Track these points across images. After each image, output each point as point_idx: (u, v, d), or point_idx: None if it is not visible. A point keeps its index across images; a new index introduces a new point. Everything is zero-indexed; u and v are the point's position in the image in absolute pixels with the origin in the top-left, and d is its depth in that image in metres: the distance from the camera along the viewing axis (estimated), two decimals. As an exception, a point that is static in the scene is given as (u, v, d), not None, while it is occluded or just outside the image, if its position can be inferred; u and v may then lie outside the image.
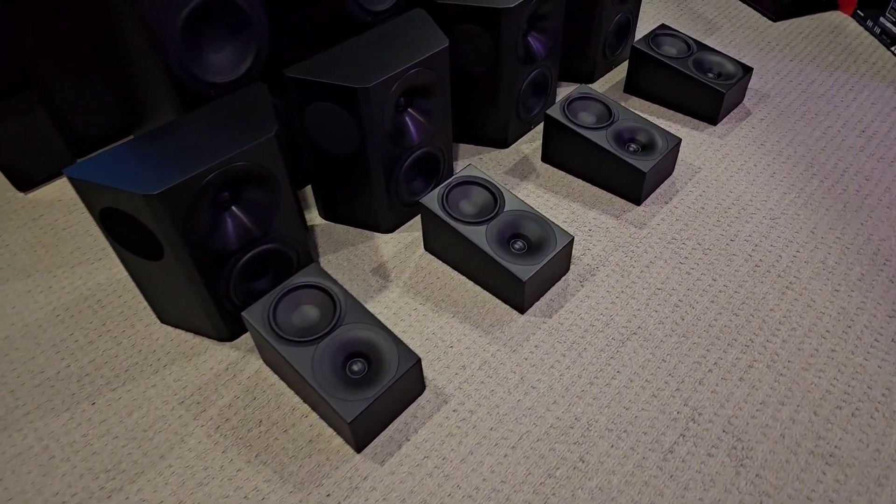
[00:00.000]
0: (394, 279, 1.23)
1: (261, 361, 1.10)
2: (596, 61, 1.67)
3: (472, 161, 1.49)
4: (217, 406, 1.05)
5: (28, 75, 1.40)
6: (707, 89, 1.50)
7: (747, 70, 1.54)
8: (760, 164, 1.43)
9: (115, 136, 1.60)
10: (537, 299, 1.16)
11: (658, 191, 1.38)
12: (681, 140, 1.35)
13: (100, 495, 0.94)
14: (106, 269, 1.29)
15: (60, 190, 1.48)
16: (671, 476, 0.92)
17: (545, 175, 1.44)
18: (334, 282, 1.05)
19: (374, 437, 0.98)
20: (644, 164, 1.29)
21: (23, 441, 1.01)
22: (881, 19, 1.83)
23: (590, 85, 1.72)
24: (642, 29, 1.92)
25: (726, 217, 1.31)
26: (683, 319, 1.12)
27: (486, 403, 1.02)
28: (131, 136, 1.60)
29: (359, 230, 1.33)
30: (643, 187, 1.31)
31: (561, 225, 1.32)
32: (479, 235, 1.13)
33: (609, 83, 1.72)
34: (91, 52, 1.44)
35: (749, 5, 2.03)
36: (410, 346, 1.11)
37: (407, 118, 1.20)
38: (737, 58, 1.79)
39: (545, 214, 1.34)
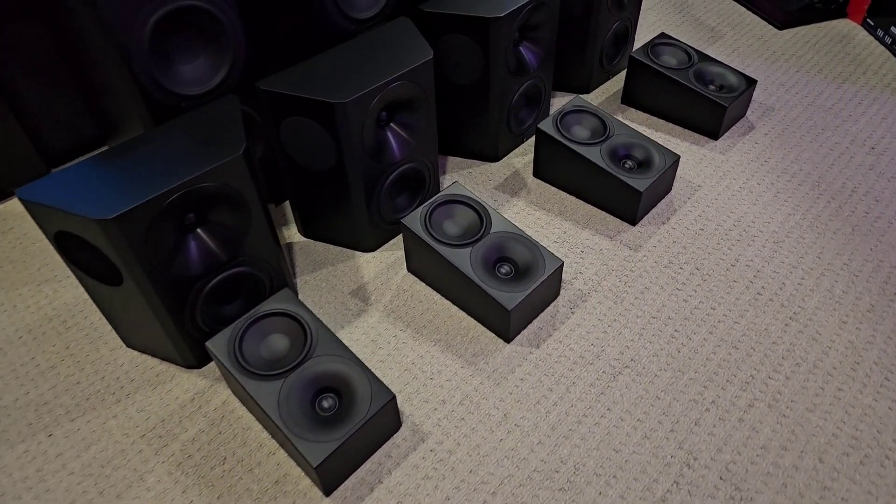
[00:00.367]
0: (374, 302, 1.15)
1: (229, 391, 1.03)
2: (592, 71, 1.59)
3: (462, 176, 1.41)
4: (180, 440, 0.97)
5: (-4, 83, 1.33)
6: (708, 102, 1.42)
7: (751, 82, 1.46)
8: (764, 183, 1.35)
9: (91, 146, 1.53)
10: (524, 327, 1.09)
11: (655, 210, 1.29)
12: (679, 157, 1.26)
13: (48, 540, 0.87)
14: (74, 287, 1.21)
15: (32, 202, 1.41)
16: (663, 528, 0.84)
17: (536, 191, 1.36)
18: (306, 309, 0.97)
19: (345, 480, 0.91)
20: (640, 182, 1.21)
21: (-29, 477, 0.94)
22: (892, 28, 1.74)
23: (586, 96, 1.64)
24: (642, 37, 1.84)
25: (727, 240, 1.23)
26: (679, 352, 1.04)
27: (465, 443, 0.94)
28: (105, 147, 1.53)
29: (339, 248, 1.26)
30: (639, 207, 1.23)
31: (552, 246, 1.24)
32: (462, 259, 1.06)
33: (606, 94, 1.64)
34: (62, 59, 1.37)
35: (754, 13, 1.94)
36: (388, 378, 1.03)
37: (389, 133, 1.13)
38: (740, 68, 1.70)
39: (535, 234, 1.26)
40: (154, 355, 1.09)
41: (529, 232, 1.27)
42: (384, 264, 1.22)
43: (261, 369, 0.90)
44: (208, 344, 0.93)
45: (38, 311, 1.18)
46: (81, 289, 1.21)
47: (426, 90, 1.11)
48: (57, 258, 1.28)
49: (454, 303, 1.13)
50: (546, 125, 1.30)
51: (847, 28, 1.84)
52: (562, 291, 1.15)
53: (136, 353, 1.10)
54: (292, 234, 1.30)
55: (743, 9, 1.98)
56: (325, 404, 0.91)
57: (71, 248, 0.93)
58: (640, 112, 1.56)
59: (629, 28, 1.62)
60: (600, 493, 0.88)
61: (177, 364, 1.07)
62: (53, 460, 0.96)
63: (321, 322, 0.96)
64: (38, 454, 0.97)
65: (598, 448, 0.93)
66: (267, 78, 1.06)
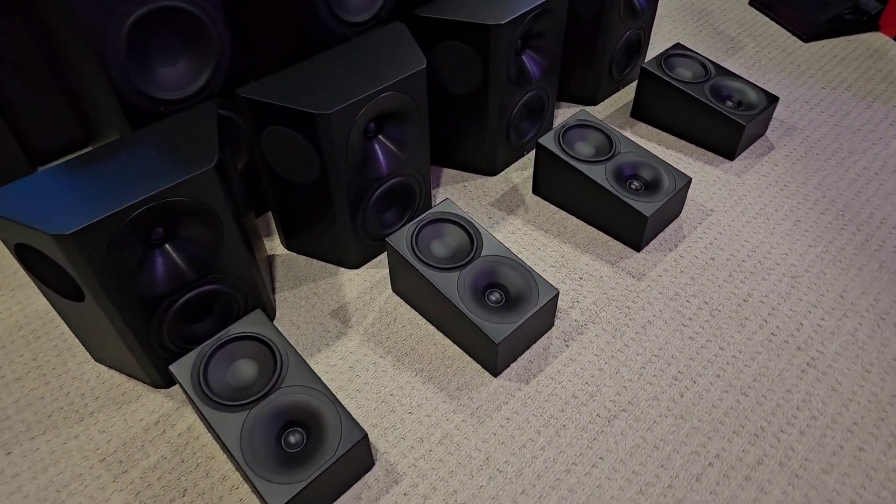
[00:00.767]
0: (354, 324, 1.07)
1: (195, 415, 0.96)
2: (600, 82, 1.49)
3: (456, 190, 1.32)
4: (140, 467, 0.90)
5: (-20, 79, 1.28)
6: (724, 120, 1.31)
7: (772, 99, 1.35)
8: (783, 210, 1.24)
9: (77, 145, 1.47)
10: (514, 360, 1.00)
11: (662, 235, 1.19)
12: (690, 180, 1.16)
13: (-11, 574, 0.81)
14: (47, 295, 1.15)
15: (15, 202, 1.35)
16: None
17: (535, 210, 1.27)
18: (278, 334, 0.89)
19: (308, 524, 0.83)
20: (646, 206, 1.11)
21: (-82, 498, 0.88)
22: (928, 45, 1.61)
23: (593, 108, 1.54)
24: (656, 47, 1.73)
25: (739, 272, 1.12)
26: (682, 396, 0.94)
27: (442, 487, 0.86)
28: (90, 148, 1.47)
29: (323, 263, 1.18)
30: (644, 232, 1.13)
31: (548, 270, 1.14)
32: (449, 283, 0.97)
33: (614, 106, 1.53)
34: (45, 57, 1.31)
35: (777, 23, 1.82)
36: (364, 410, 0.95)
37: (376, 146, 1.04)
38: (761, 82, 1.59)
39: (531, 256, 1.17)
40: (121, 371, 1.02)
41: (525, 254, 1.18)
42: (368, 283, 1.14)
43: (225, 398, 0.83)
44: (172, 368, 0.85)
45: (9, 317, 1.12)
46: (54, 297, 1.15)
47: (418, 101, 1.03)
48: (33, 263, 1.22)
49: (439, 329, 1.04)
50: (547, 140, 1.20)
51: (879, 42, 1.72)
52: (557, 321, 1.05)
53: (103, 367, 1.03)
54: (275, 245, 1.22)
55: (766, 19, 1.86)
56: (292, 440, 0.83)
57: (32, 260, 0.86)
58: (650, 127, 1.46)
59: (642, 37, 1.52)
60: (586, 555, 0.79)
61: (144, 382, 1.00)
62: (9, 481, 0.90)
63: (293, 348, 0.88)
64: (-9, 475, 0.90)
65: (588, 502, 0.83)
66: (248, 84, 0.98)
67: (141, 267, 0.84)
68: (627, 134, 1.44)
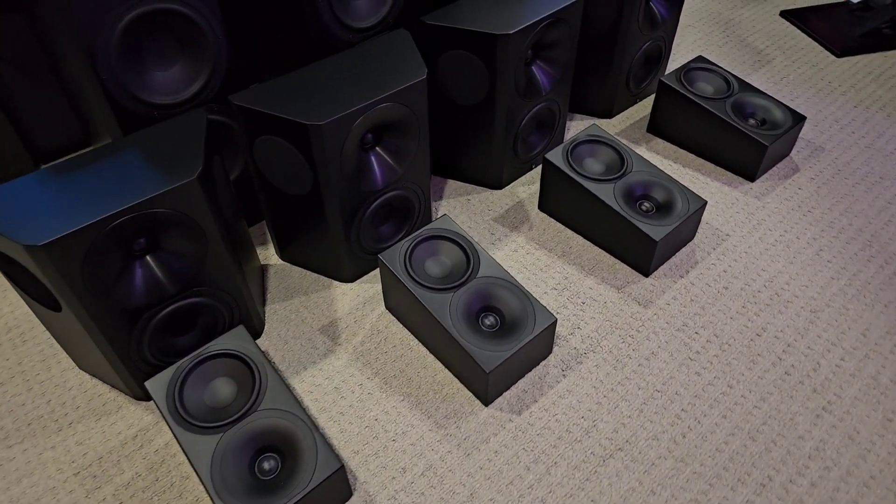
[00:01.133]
0: (344, 342, 1.04)
1: (174, 432, 0.94)
2: (616, 95, 1.44)
3: (459, 203, 1.29)
4: (114, 483, 0.88)
5: (-18, 76, 1.28)
6: (745, 139, 1.25)
7: (798, 119, 1.28)
8: (805, 237, 1.17)
9: (81, 143, 1.47)
10: (507, 389, 0.95)
11: (673, 260, 1.14)
12: (705, 203, 1.11)
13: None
14: (37, 297, 1.15)
15: (14, 200, 1.36)
16: None
17: (540, 227, 1.22)
18: (259, 352, 0.87)
19: (279, 555, 0.79)
20: (656, 230, 1.06)
21: None
22: (971, 64, 1.52)
23: (608, 121, 1.49)
24: (678, 58, 1.67)
25: (754, 303, 1.06)
26: (684, 437, 0.89)
27: (422, 523, 0.82)
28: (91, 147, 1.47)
29: (316, 275, 1.15)
30: (653, 257, 1.08)
31: (549, 293, 1.10)
32: (442, 305, 0.93)
33: (631, 120, 1.48)
34: (46, 55, 1.31)
35: (809, 36, 1.75)
36: (346, 435, 0.91)
37: (373, 158, 1.01)
38: (788, 99, 1.52)
39: (532, 276, 1.13)
40: (104, 381, 1.01)
41: (526, 273, 1.13)
42: (361, 298, 1.11)
43: (200, 418, 0.80)
44: (148, 384, 0.83)
45: (-2, 319, 1.12)
46: (44, 300, 1.15)
47: (418, 113, 0.99)
48: (26, 264, 1.21)
49: (431, 351, 1.01)
50: (554, 155, 1.16)
51: (918, 60, 1.63)
52: (555, 349, 1.01)
53: (87, 375, 1.02)
54: (270, 254, 1.20)
55: (797, 31, 1.78)
56: (266, 466, 0.80)
57: (10, 267, 0.85)
58: (667, 144, 1.40)
59: (662, 48, 1.47)
60: None
61: (125, 393, 0.99)
62: (-17, 491, 0.89)
63: (274, 368, 0.85)
64: (-34, 483, 0.89)
65: (575, 548, 0.79)
66: (242, 91, 0.96)
67: (120, 278, 0.83)
68: (643, 150, 1.39)
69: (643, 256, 1.09)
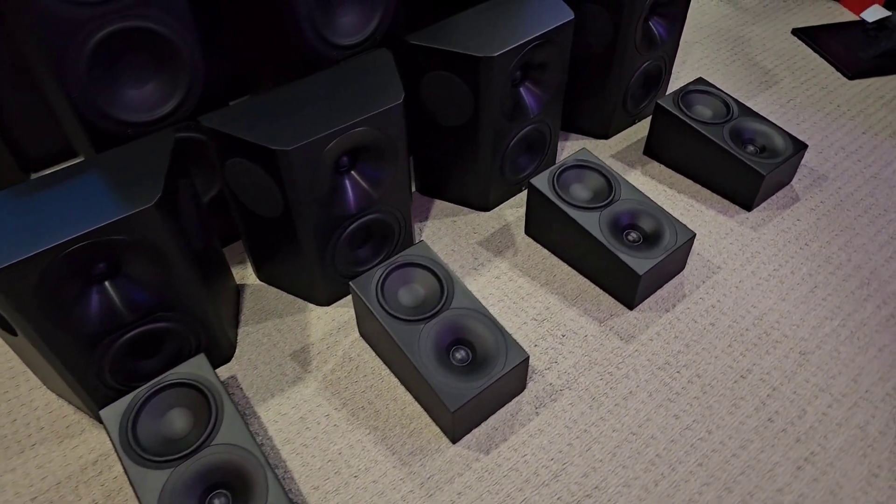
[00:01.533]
0: (314, 370, 1.03)
1: (136, 457, 0.94)
2: (613, 116, 1.42)
3: (444, 225, 1.28)
4: (71, 510, 0.89)
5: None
6: (742, 167, 1.22)
7: (799, 147, 1.25)
8: (799, 273, 1.14)
9: (71, 153, 1.49)
10: (476, 425, 0.94)
11: (660, 292, 1.12)
12: (694, 235, 1.08)
13: None
14: (11, 311, 1.16)
15: None
16: None
17: (525, 252, 1.21)
18: (219, 382, 0.87)
19: None
20: (641, 263, 1.04)
21: None
22: None
23: (605, 142, 1.47)
24: (683, 77, 1.65)
25: (741, 342, 1.04)
26: (657, 485, 0.87)
27: (378, 566, 0.81)
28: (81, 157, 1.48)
29: (293, 297, 1.15)
30: (637, 291, 1.06)
31: (529, 323, 1.08)
32: (411, 337, 0.92)
33: (628, 141, 1.46)
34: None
35: (821, 56, 1.71)
36: (307, 468, 0.91)
37: (347, 182, 1.01)
38: (793, 122, 1.49)
39: (513, 305, 1.11)
40: (69, 402, 1.01)
41: (507, 302, 1.12)
42: (336, 323, 1.10)
43: (151, 452, 0.80)
44: (102, 413, 0.83)
45: (-29, 333, 1.13)
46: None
47: (394, 137, 0.99)
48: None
49: (402, 382, 1.00)
50: (540, 181, 1.15)
51: (934, 84, 1.59)
52: (530, 383, 0.99)
53: (54, 395, 1.03)
54: (248, 273, 1.20)
55: (808, 51, 1.75)
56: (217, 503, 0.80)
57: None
58: (663, 168, 1.38)
59: (662, 69, 1.44)
60: None
61: (90, 416, 0.99)
62: (-59, 512, 0.90)
63: (233, 400, 0.85)
64: (-75, 503, 0.90)
65: None
66: (213, 112, 0.96)
67: (76, 304, 0.83)
68: (637, 174, 1.37)
69: (627, 289, 1.07)
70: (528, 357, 0.92)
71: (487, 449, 0.92)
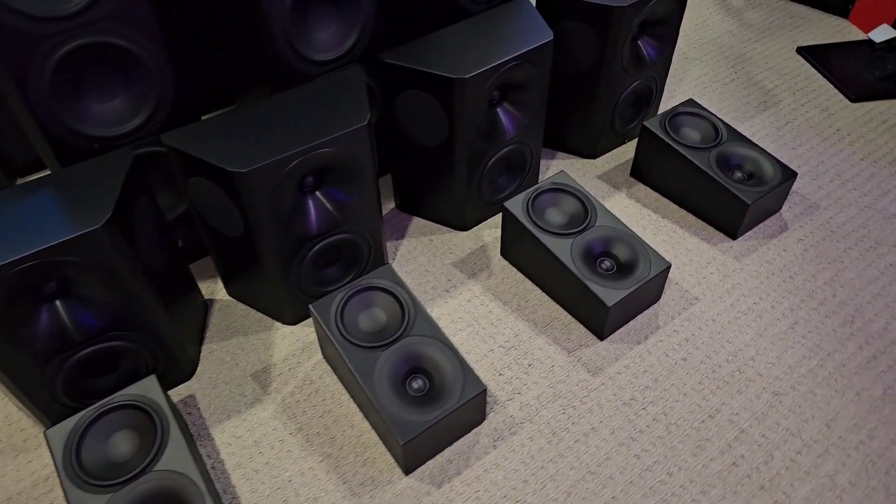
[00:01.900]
0: (273, 392, 1.03)
1: (88, 475, 0.94)
2: (600, 136, 1.40)
3: (421, 244, 1.27)
4: (21, 526, 0.90)
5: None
6: (727, 194, 1.20)
7: (789, 175, 1.22)
8: (781, 307, 1.12)
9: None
10: (431, 457, 0.93)
11: (633, 323, 1.10)
12: (669, 266, 1.06)
13: None
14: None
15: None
16: None
17: (499, 275, 1.20)
18: (167, 405, 0.87)
19: None
20: (610, 294, 1.02)
21: None
22: None
23: (593, 160, 1.45)
24: (679, 94, 1.62)
25: (712, 379, 1.01)
26: (611, 529, 0.85)
27: None
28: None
29: (261, 315, 1.15)
30: (606, 322, 1.04)
31: (495, 351, 1.07)
32: (367, 365, 0.92)
33: (616, 161, 1.44)
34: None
35: (825, 77, 1.68)
36: (255, 497, 0.91)
37: (311, 203, 1.01)
38: (790, 146, 1.46)
39: (481, 330, 1.10)
40: (28, 415, 1.02)
41: (476, 327, 1.11)
42: (301, 343, 1.10)
43: (93, 475, 0.81)
44: (48, 433, 0.84)
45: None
46: None
47: (360, 159, 0.98)
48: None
49: (360, 408, 0.99)
50: (514, 204, 1.13)
51: (941, 109, 1.55)
52: (490, 415, 0.98)
53: (14, 406, 1.04)
54: (219, 288, 1.21)
55: (812, 71, 1.71)
56: (159, 528, 0.80)
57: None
58: (649, 190, 1.36)
59: (653, 88, 1.42)
60: None
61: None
62: None
63: (177, 423, 0.85)
64: None
65: None
66: (176, 130, 0.97)
67: (25, 322, 0.84)
68: (622, 196, 1.35)
69: (597, 320, 1.05)
70: (485, 389, 0.91)
71: (440, 482, 0.91)
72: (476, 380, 0.91)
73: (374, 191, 1.05)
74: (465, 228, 1.30)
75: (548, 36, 1.12)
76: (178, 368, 1.03)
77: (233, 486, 0.91)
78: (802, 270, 1.18)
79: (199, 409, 1.02)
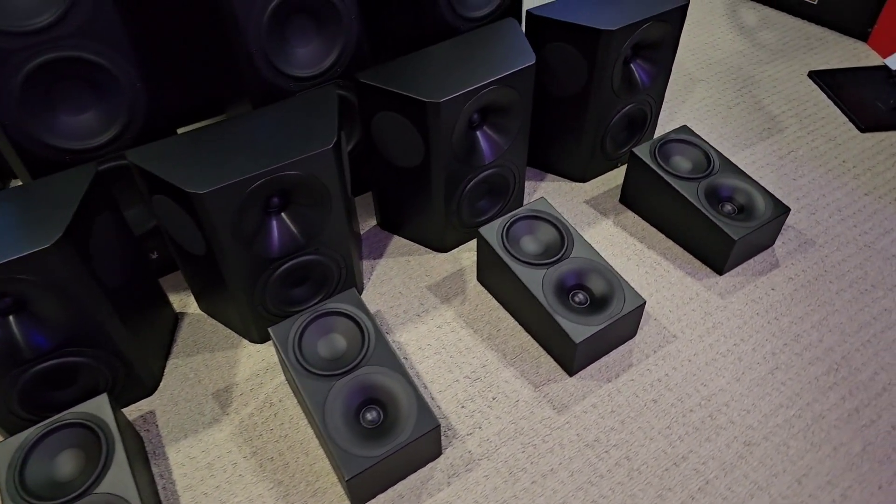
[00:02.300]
0: (232, 412, 1.03)
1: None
2: (589, 159, 1.38)
3: (399, 265, 1.26)
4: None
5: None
6: (713, 228, 1.17)
7: (781, 210, 1.18)
8: (762, 351, 1.08)
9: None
10: (382, 491, 0.92)
11: (605, 359, 1.07)
12: (644, 303, 1.04)
13: None
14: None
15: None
16: None
17: (473, 301, 1.18)
18: (115, 424, 0.87)
19: None
20: (579, 330, 1.00)
21: None
22: None
23: (583, 184, 1.43)
24: (680, 118, 1.59)
25: (682, 424, 0.98)
26: (558, 579, 0.83)
27: None
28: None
29: (230, 331, 1.16)
30: (575, 358, 1.02)
31: (461, 381, 1.05)
32: (319, 394, 0.91)
33: (606, 186, 1.42)
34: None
35: (835, 104, 1.63)
36: (202, 520, 0.91)
37: (274, 224, 1.01)
38: (791, 177, 1.41)
39: (449, 359, 1.09)
40: None
41: (443, 355, 1.10)
42: (266, 363, 1.10)
43: (34, 495, 0.81)
44: (-2, 447, 0.85)
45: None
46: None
47: (327, 181, 0.98)
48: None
49: (316, 434, 0.99)
50: (489, 231, 1.12)
51: (956, 143, 1.49)
52: (449, 449, 0.97)
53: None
54: (191, 301, 1.21)
55: (823, 96, 1.66)
56: (97, 550, 0.80)
57: None
58: (637, 218, 1.33)
59: (648, 112, 1.40)
60: None
61: (7, 440, 1.01)
62: None
63: (123, 445, 0.85)
64: None
65: None
66: (142, 146, 0.98)
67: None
68: (608, 223, 1.33)
69: (566, 355, 1.03)
70: (438, 426, 0.89)
71: (388, 518, 0.89)
72: (430, 415, 0.90)
73: (342, 213, 1.04)
74: (444, 250, 1.29)
75: (530, 60, 1.11)
76: (139, 384, 1.04)
77: (179, 510, 0.91)
78: (790, 311, 1.14)
79: (157, 426, 1.02)
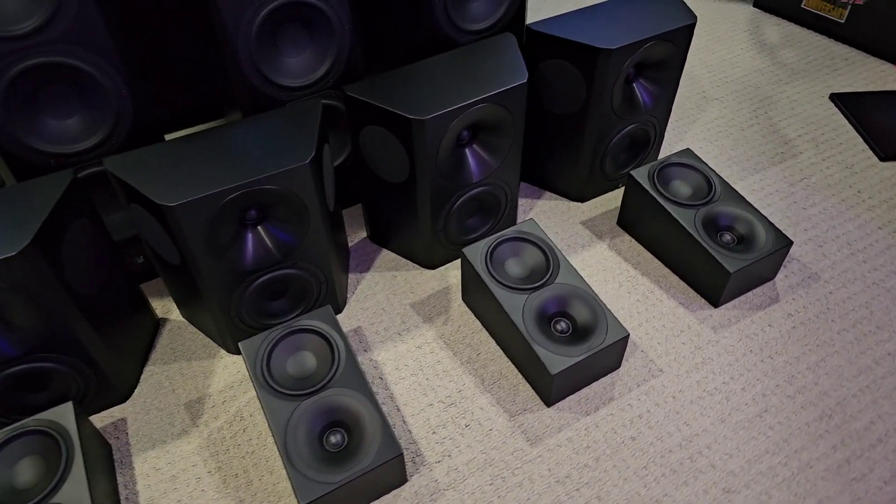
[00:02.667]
0: (202, 424, 1.03)
1: None
2: (588, 179, 1.35)
3: (385, 279, 1.25)
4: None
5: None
6: (708, 259, 1.13)
7: (782, 243, 1.14)
8: (752, 391, 1.04)
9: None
10: (342, 516, 0.91)
11: (585, 391, 1.05)
12: (627, 336, 1.01)
13: None
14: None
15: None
16: None
17: (457, 322, 1.16)
18: (80, 432, 0.88)
19: None
20: (557, 361, 0.97)
21: None
22: None
23: (581, 204, 1.40)
24: (690, 139, 1.55)
25: (659, 465, 0.95)
26: None
27: None
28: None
29: (208, 339, 1.16)
30: (552, 390, 0.99)
31: (435, 405, 1.04)
32: (282, 415, 0.90)
33: (605, 206, 1.39)
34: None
35: (855, 128, 1.57)
36: (160, 534, 0.91)
37: (250, 237, 1.00)
38: (800, 207, 1.36)
39: (425, 381, 1.07)
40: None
41: (419, 377, 1.08)
42: (241, 375, 1.10)
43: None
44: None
45: None
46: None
47: (304, 196, 0.97)
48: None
49: (280, 454, 0.98)
50: (473, 251, 1.10)
51: (983, 176, 1.42)
52: (415, 477, 0.95)
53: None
54: (173, 307, 1.22)
55: (843, 120, 1.60)
56: (52, 561, 0.81)
57: None
58: (634, 242, 1.30)
59: (651, 133, 1.36)
60: None
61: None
62: None
63: (82, 455, 0.86)
64: None
65: None
66: (120, 154, 0.99)
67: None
68: (603, 247, 1.30)
69: (543, 385, 1.01)
70: (401, 454, 0.88)
71: (346, 545, 0.88)
72: (394, 442, 0.88)
73: (321, 228, 1.04)
74: (432, 266, 1.27)
75: (521, 78, 1.09)
76: (112, 390, 1.04)
77: (139, 523, 0.92)
78: (785, 350, 1.09)
79: (127, 434, 1.03)
